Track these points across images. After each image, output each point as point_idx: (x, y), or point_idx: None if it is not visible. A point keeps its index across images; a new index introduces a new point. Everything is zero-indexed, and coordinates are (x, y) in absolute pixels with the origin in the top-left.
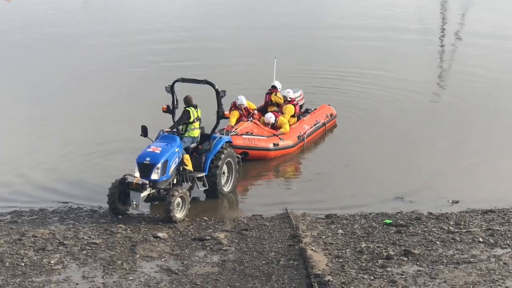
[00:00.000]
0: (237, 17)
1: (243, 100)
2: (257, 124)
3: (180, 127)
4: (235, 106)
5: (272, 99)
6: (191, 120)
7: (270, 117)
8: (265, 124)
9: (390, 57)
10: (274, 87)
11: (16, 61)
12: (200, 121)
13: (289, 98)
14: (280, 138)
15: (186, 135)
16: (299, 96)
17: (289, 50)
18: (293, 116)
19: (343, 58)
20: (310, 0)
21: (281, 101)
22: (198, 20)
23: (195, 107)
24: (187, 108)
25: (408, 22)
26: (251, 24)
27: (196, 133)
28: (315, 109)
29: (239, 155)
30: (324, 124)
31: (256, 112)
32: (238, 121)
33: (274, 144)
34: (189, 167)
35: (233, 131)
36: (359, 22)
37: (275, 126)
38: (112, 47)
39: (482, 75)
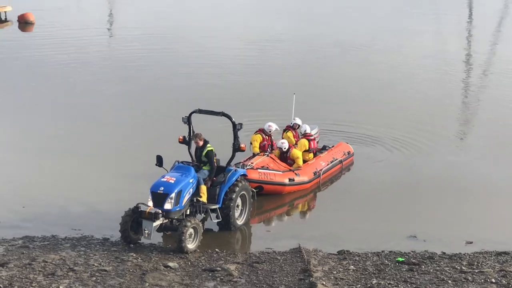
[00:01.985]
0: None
1: (273, 125)
2: (273, 159)
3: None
4: (260, 131)
5: (283, 137)
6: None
7: (282, 142)
8: (279, 149)
9: (412, 99)
10: (289, 127)
11: (32, 86)
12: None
13: (303, 132)
14: (296, 174)
15: (205, 168)
16: (316, 132)
17: (309, 86)
18: (308, 151)
19: (365, 96)
20: (333, 38)
21: (291, 141)
22: (219, 54)
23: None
24: (211, 148)
25: (432, 66)
26: (271, 58)
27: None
28: (332, 146)
29: (254, 189)
30: (341, 161)
31: (273, 149)
32: (260, 146)
33: (290, 180)
34: (204, 198)
35: (249, 165)
36: (383, 63)
37: (286, 156)
38: (131, 75)
39: (503, 122)
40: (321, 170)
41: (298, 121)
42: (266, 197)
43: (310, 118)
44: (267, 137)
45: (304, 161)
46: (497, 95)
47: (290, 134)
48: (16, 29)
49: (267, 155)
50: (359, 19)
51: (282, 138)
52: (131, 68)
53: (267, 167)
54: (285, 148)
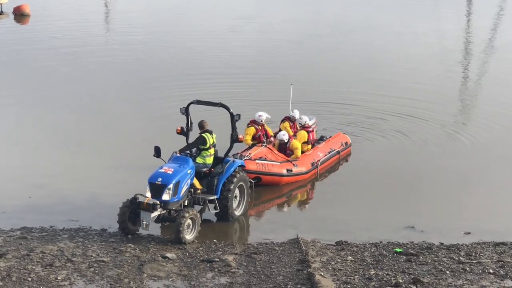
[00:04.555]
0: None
1: (263, 114)
2: (271, 150)
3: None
4: (252, 122)
5: (280, 127)
6: (207, 146)
7: (283, 134)
8: (279, 141)
9: (410, 88)
10: (287, 117)
11: (34, 79)
12: (215, 147)
13: (299, 124)
14: (293, 165)
15: (200, 160)
16: (314, 123)
17: (306, 76)
18: (307, 142)
19: (362, 87)
20: (330, 28)
21: (287, 131)
22: (216, 44)
23: (210, 132)
24: (203, 134)
25: (430, 54)
26: (267, 48)
27: (210, 160)
28: (330, 137)
29: (252, 180)
30: (338, 152)
31: (272, 139)
32: (253, 137)
33: (288, 170)
34: (197, 185)
35: (247, 156)
36: (382, 53)
37: (287, 147)
38: (129, 67)
39: (503, 112)
40: (318, 160)
41: (296, 113)
42: (264, 188)
43: (308, 108)
44: (260, 127)
45: (302, 152)
46: (498, 80)
47: (286, 124)
48: (12, 21)
49: (265, 146)
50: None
51: (279, 129)
52: (130, 58)
53: (265, 158)
54: (286, 140)
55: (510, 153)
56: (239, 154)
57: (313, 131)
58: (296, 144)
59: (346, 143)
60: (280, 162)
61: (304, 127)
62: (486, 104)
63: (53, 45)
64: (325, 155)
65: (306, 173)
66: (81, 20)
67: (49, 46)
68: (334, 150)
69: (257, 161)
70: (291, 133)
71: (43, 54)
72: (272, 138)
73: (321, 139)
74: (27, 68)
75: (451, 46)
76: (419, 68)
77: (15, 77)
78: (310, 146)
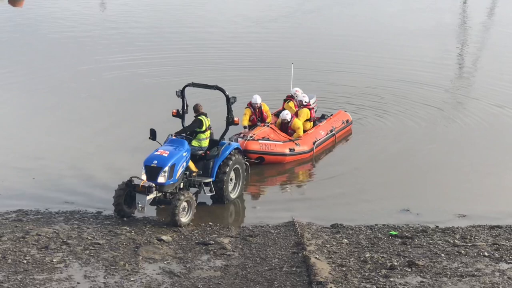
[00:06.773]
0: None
1: (257, 100)
2: (273, 129)
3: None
4: (250, 105)
5: (285, 107)
6: (203, 129)
7: (286, 114)
8: (281, 120)
9: (410, 69)
10: (291, 96)
11: (32, 63)
12: (210, 129)
13: (304, 102)
14: (296, 144)
15: (195, 143)
16: (314, 101)
17: (307, 55)
18: (309, 120)
19: (363, 65)
20: (329, 6)
21: (292, 110)
22: (214, 25)
23: (205, 115)
24: (199, 117)
25: (430, 34)
26: (268, 29)
27: (205, 143)
28: (331, 115)
29: (247, 162)
30: (334, 135)
31: (270, 119)
32: (249, 119)
33: (290, 150)
34: (193, 168)
35: (250, 136)
36: (381, 31)
37: (288, 126)
38: (123, 51)
39: (501, 94)
40: (315, 142)
41: (297, 91)
42: (260, 170)
43: (309, 87)
44: (257, 110)
45: (304, 131)
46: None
47: (292, 104)
48: (6, 4)
49: (268, 126)
50: None
51: (283, 108)
52: (126, 40)
53: (268, 138)
54: (289, 119)
55: (506, 136)
56: (241, 134)
57: (313, 109)
58: (298, 123)
59: (347, 121)
60: (282, 142)
61: (305, 106)
62: (484, 87)
63: (47, 29)
64: (327, 133)
65: (308, 152)
66: (76, 3)
67: (43, 30)
68: (332, 132)
69: (260, 141)
70: (295, 112)
71: (37, 38)
72: (268, 119)
73: (322, 117)
74: (22, 51)
75: (448, 22)
76: (419, 45)
77: (9, 60)
78: (311, 123)
